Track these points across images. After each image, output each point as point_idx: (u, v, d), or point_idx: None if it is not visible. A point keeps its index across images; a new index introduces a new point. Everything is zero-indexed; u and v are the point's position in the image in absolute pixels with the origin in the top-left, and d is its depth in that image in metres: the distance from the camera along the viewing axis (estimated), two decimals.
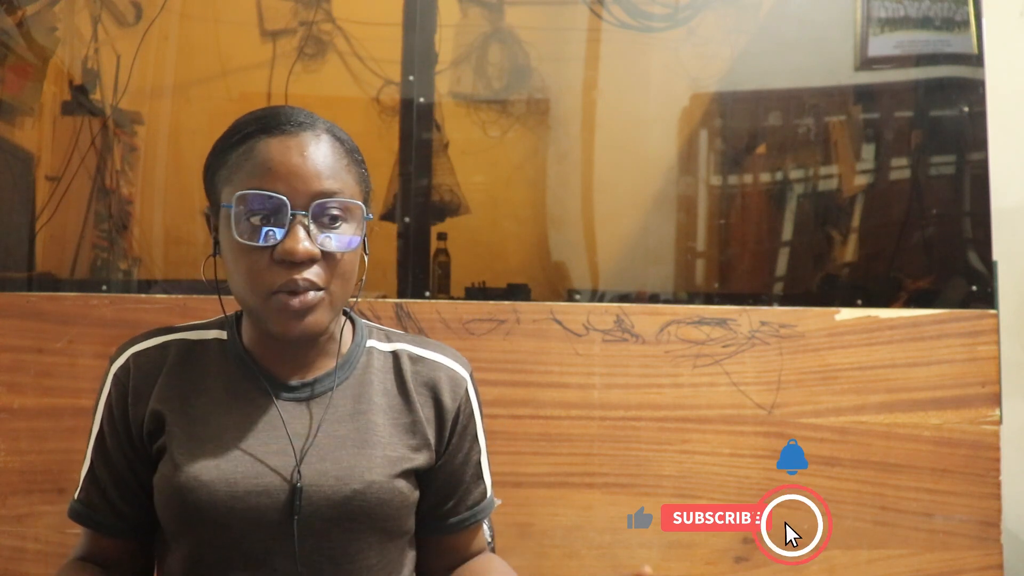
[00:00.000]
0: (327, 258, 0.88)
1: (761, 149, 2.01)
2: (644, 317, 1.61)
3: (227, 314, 1.00)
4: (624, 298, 1.87)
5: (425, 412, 0.98)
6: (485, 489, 1.03)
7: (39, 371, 1.53)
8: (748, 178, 2.01)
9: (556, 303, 1.62)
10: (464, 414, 1.00)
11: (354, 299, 0.98)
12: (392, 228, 1.81)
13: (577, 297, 1.90)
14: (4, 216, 1.86)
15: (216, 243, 0.94)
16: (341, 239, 0.89)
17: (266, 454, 0.90)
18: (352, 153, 0.93)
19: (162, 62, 2.03)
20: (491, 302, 1.61)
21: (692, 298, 1.97)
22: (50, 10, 1.94)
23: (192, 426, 0.91)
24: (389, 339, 1.03)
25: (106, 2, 1.98)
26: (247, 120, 0.92)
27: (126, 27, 1.99)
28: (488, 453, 1.05)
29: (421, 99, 1.77)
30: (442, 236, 1.88)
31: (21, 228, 1.87)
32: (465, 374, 1.02)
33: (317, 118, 0.92)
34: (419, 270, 1.73)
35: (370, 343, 1.01)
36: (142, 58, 1.98)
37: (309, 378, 0.96)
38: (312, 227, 0.87)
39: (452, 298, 1.77)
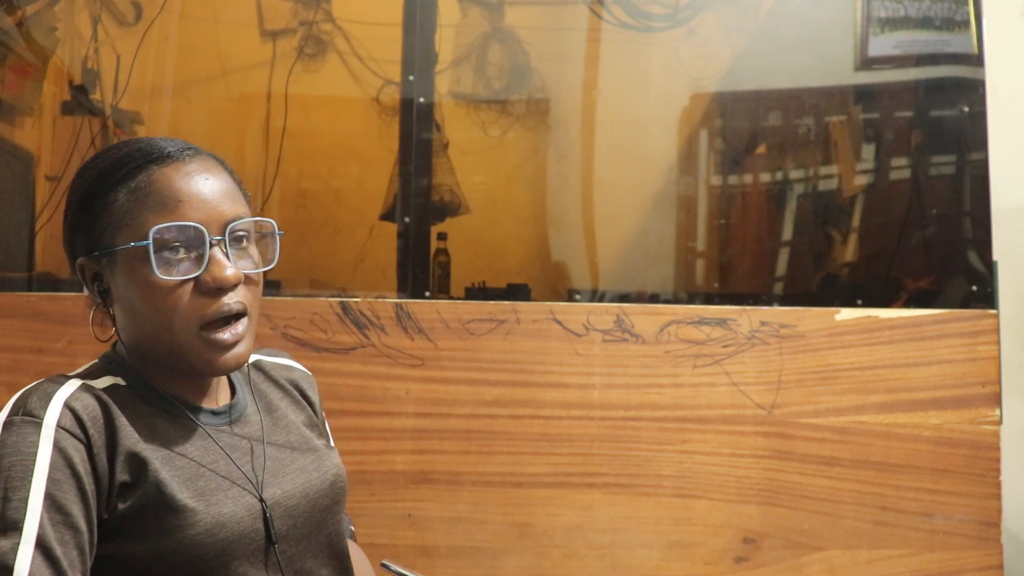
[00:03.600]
0: (246, 280, 0.88)
1: (761, 149, 2.01)
2: (644, 317, 1.61)
3: (98, 360, 0.93)
4: (624, 298, 1.87)
5: (306, 407, 1.05)
6: None
7: (39, 371, 1.53)
8: (748, 178, 2.02)
9: (556, 303, 1.62)
10: (322, 407, 1.09)
11: None
12: (392, 228, 1.81)
13: (577, 297, 1.90)
14: (4, 216, 1.86)
15: (103, 293, 0.89)
16: (252, 258, 0.89)
17: (248, 477, 0.90)
18: (234, 173, 0.93)
19: (162, 62, 2.03)
20: (491, 302, 1.61)
21: (692, 298, 1.97)
22: (50, 10, 1.94)
23: (174, 473, 0.84)
24: None
25: (106, 2, 1.98)
26: (125, 155, 0.87)
27: (126, 27, 1.99)
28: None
29: (421, 99, 1.78)
30: (442, 236, 1.88)
31: (21, 228, 1.87)
32: (309, 372, 1.10)
33: (190, 143, 0.91)
34: (419, 270, 1.73)
35: None
36: (142, 58, 1.98)
37: (226, 401, 0.96)
38: (229, 251, 0.86)
39: (452, 298, 1.77)
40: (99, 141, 1.92)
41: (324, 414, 1.10)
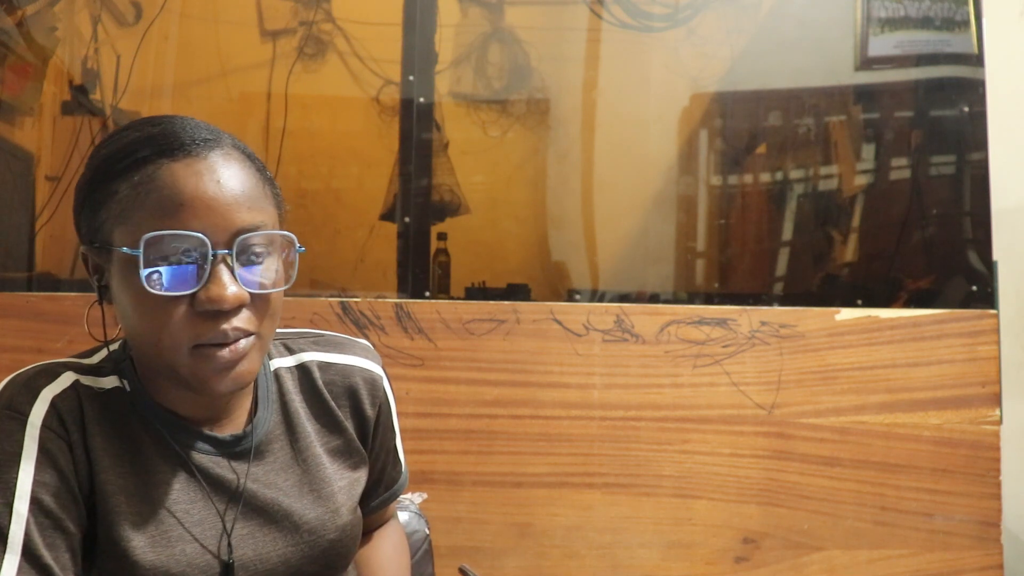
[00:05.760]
0: (255, 300, 0.75)
1: (761, 149, 2.01)
2: (644, 317, 1.61)
3: (110, 352, 0.83)
4: (624, 298, 1.87)
5: (350, 424, 0.92)
6: (401, 467, 1.02)
7: None
8: (748, 178, 2.01)
9: (556, 303, 1.62)
10: (384, 414, 0.95)
11: None
12: (392, 228, 1.81)
13: (577, 297, 1.90)
14: (4, 216, 1.86)
15: (103, 288, 0.78)
16: (268, 275, 0.76)
17: (228, 523, 0.80)
18: (263, 171, 0.80)
19: (162, 62, 2.03)
20: (491, 302, 1.61)
21: (692, 298, 1.97)
22: (50, 10, 1.94)
23: (135, 503, 0.76)
24: (290, 349, 0.93)
25: (106, 2, 1.98)
26: (135, 140, 0.75)
27: (126, 27, 1.99)
28: (402, 433, 1.02)
29: (421, 99, 1.78)
30: (442, 236, 1.88)
31: (21, 228, 1.87)
32: (379, 370, 0.96)
33: (220, 131, 0.79)
34: (419, 270, 1.73)
35: (275, 364, 0.91)
36: (142, 58, 1.98)
37: (238, 429, 0.84)
38: (236, 267, 0.73)
39: (452, 298, 1.77)
40: (99, 141, 1.92)
41: (390, 413, 0.97)
